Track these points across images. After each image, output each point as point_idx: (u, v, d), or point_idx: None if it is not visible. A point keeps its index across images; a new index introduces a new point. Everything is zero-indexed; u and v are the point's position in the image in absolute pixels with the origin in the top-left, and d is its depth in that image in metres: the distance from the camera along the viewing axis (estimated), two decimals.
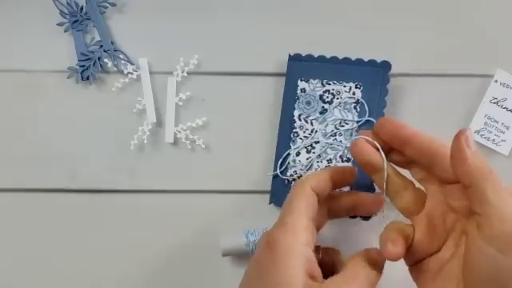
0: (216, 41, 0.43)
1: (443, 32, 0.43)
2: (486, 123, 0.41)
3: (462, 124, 0.42)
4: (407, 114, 0.43)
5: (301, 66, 0.42)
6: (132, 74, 0.43)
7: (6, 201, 0.43)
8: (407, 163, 0.34)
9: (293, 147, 0.41)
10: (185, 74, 0.43)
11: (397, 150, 0.34)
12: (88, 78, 0.43)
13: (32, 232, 0.43)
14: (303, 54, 0.42)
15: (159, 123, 0.43)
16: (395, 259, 0.31)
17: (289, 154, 0.41)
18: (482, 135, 0.41)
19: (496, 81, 0.42)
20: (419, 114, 0.43)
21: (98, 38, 0.44)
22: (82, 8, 0.44)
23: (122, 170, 0.43)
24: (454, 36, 0.43)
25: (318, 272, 0.32)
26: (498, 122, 0.41)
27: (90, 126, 0.43)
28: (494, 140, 0.41)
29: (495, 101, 0.42)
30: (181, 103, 0.43)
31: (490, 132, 0.41)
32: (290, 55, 0.42)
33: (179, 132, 0.43)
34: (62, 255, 0.43)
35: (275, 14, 0.44)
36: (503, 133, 0.41)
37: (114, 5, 0.43)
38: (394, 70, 0.42)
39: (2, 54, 0.44)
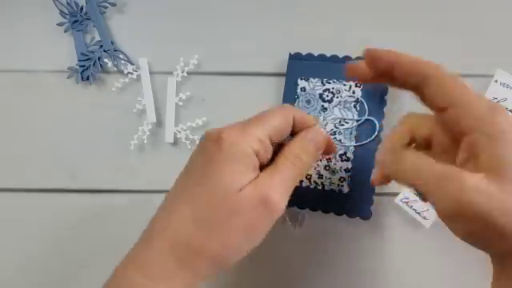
0: (216, 41, 0.43)
1: (443, 32, 0.43)
2: None
3: None
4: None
5: (301, 65, 0.42)
6: (132, 74, 0.43)
7: (6, 201, 0.43)
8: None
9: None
10: (185, 74, 0.43)
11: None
12: (88, 78, 0.43)
13: (32, 232, 0.43)
14: (303, 53, 0.42)
15: (159, 123, 0.43)
16: None
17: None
18: None
19: (496, 81, 0.42)
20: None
21: (98, 38, 0.44)
22: (81, 8, 0.44)
23: (122, 170, 0.43)
24: (454, 36, 0.43)
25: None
26: None
27: (90, 126, 0.44)
28: None
29: (495, 101, 0.41)
30: (181, 103, 0.43)
31: None
32: (290, 54, 0.42)
33: (179, 132, 0.43)
34: (62, 255, 0.43)
35: (275, 14, 0.44)
36: None
37: (114, 5, 0.43)
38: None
39: (2, 54, 0.44)
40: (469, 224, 0.28)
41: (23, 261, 0.43)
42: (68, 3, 0.43)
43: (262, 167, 0.32)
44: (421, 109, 0.32)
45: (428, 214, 0.41)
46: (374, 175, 0.36)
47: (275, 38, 0.43)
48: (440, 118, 0.30)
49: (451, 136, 0.30)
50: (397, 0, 0.43)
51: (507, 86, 0.42)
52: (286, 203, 0.31)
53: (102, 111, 0.44)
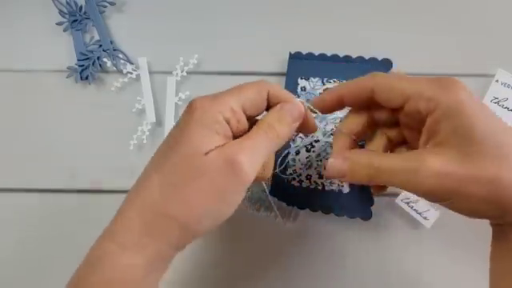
0: (216, 40, 0.43)
1: (443, 32, 0.43)
2: None
3: None
4: None
5: (301, 65, 0.42)
6: (131, 73, 0.43)
7: (6, 201, 0.43)
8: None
9: (292, 146, 0.41)
10: (184, 74, 0.43)
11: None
12: (87, 78, 0.43)
13: (32, 232, 0.43)
14: (304, 53, 0.42)
15: (159, 123, 0.43)
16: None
17: (288, 153, 0.41)
18: None
19: (497, 80, 0.41)
20: None
21: (97, 37, 0.44)
22: (81, 7, 0.43)
23: (122, 170, 0.43)
24: (454, 36, 0.43)
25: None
26: None
27: (89, 125, 0.43)
28: None
29: (496, 101, 0.41)
30: (180, 103, 0.43)
31: None
32: (290, 53, 0.42)
33: None
34: (61, 255, 0.43)
35: (275, 14, 0.43)
36: None
37: (113, 4, 0.43)
38: (394, 70, 0.42)
39: (1, 54, 0.44)
40: (446, 202, 0.29)
41: (23, 260, 0.43)
42: (67, 2, 0.43)
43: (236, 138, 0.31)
44: None
45: (428, 214, 0.41)
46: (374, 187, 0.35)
47: (275, 38, 0.43)
48: (403, 116, 0.31)
49: (419, 129, 0.31)
50: (397, 0, 0.43)
51: (508, 86, 0.41)
52: (256, 172, 0.30)
53: (102, 111, 0.43)
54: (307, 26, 0.43)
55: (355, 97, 0.32)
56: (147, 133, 0.43)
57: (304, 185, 0.41)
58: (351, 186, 0.40)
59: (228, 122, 0.30)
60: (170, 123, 0.43)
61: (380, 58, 0.41)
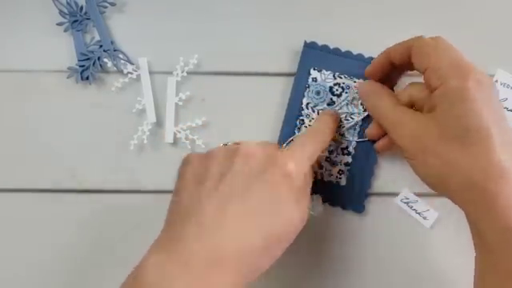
0: (216, 41, 0.43)
1: (443, 32, 0.43)
2: None
3: None
4: None
5: (315, 55, 0.42)
6: (132, 73, 0.43)
7: (6, 201, 0.43)
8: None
9: (298, 134, 0.41)
10: (184, 74, 0.43)
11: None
12: (88, 78, 0.43)
13: (32, 232, 0.43)
14: (319, 44, 0.42)
15: (159, 123, 0.43)
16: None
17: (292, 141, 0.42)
18: None
19: (496, 81, 0.42)
20: None
21: (97, 37, 0.44)
22: (81, 8, 0.43)
23: (122, 169, 0.43)
24: (454, 36, 0.43)
25: None
26: None
27: (90, 125, 0.43)
28: None
29: None
30: (180, 103, 0.43)
31: None
32: (305, 42, 0.42)
33: (179, 132, 0.43)
34: (62, 255, 0.43)
35: (275, 14, 0.44)
36: None
37: (113, 4, 0.43)
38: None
39: (2, 54, 0.44)
40: (411, 161, 0.34)
41: (23, 261, 0.43)
42: (68, 3, 0.43)
43: None
44: None
45: (428, 214, 0.41)
46: (378, 143, 0.39)
47: (276, 38, 0.43)
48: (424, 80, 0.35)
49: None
50: (397, 0, 0.43)
51: (508, 86, 0.41)
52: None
53: (102, 111, 0.43)
54: (308, 26, 0.43)
55: (399, 54, 0.36)
56: (147, 133, 0.43)
57: None
58: (349, 179, 0.41)
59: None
60: (170, 123, 0.43)
61: None
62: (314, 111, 0.42)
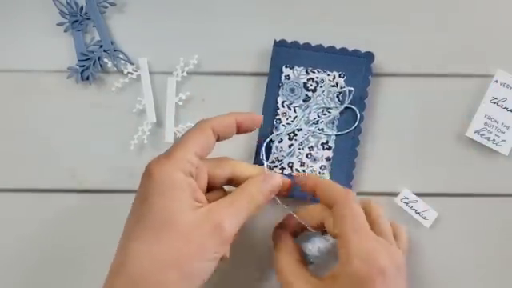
0: (216, 41, 0.43)
1: (443, 32, 0.43)
2: (486, 123, 0.41)
3: (463, 124, 0.42)
4: (409, 114, 0.43)
5: (286, 53, 0.42)
6: (132, 73, 0.43)
7: (6, 201, 0.43)
8: None
9: (275, 134, 0.42)
10: (184, 74, 0.43)
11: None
12: (88, 78, 0.43)
13: (32, 232, 0.43)
14: (288, 41, 0.42)
15: (159, 123, 0.43)
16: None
17: (272, 141, 0.42)
18: (482, 135, 0.41)
19: (496, 81, 0.42)
20: (420, 114, 0.43)
21: (97, 37, 0.44)
22: (81, 8, 0.43)
23: (122, 169, 0.43)
24: (454, 36, 0.43)
25: (202, 197, 0.33)
26: (498, 122, 0.41)
27: (90, 126, 0.43)
28: (494, 140, 0.41)
29: (495, 101, 0.41)
30: (181, 103, 0.43)
31: (490, 132, 0.41)
32: (275, 41, 0.42)
33: (179, 132, 0.43)
34: (62, 255, 0.43)
35: (275, 14, 0.44)
36: (503, 133, 0.41)
37: (113, 4, 0.43)
38: (394, 70, 0.42)
39: (1, 54, 0.44)
40: None
41: (22, 261, 0.43)
42: (68, 3, 0.43)
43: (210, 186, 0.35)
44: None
45: (428, 213, 0.41)
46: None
47: (276, 38, 0.43)
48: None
49: None
50: (396, 0, 0.43)
51: (507, 86, 0.42)
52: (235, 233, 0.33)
53: (102, 111, 0.43)
54: (307, 27, 0.43)
55: (321, 198, 0.36)
56: (148, 133, 0.43)
57: (286, 172, 0.41)
58: (332, 173, 0.41)
59: (191, 175, 0.33)
60: (170, 123, 0.43)
61: (363, 51, 0.42)
62: (290, 109, 0.42)
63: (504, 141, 0.41)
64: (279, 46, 0.42)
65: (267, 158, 0.41)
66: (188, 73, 0.43)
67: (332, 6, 0.43)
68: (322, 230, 0.37)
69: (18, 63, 0.44)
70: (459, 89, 0.42)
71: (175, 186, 0.32)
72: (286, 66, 0.42)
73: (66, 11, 0.43)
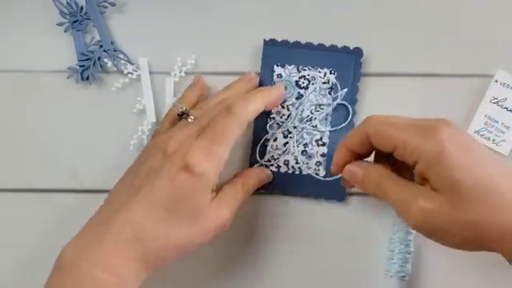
0: (214, 40, 0.43)
1: (443, 32, 0.43)
2: (486, 123, 0.41)
3: (462, 124, 0.42)
4: (408, 114, 0.42)
5: (276, 52, 0.42)
6: (132, 73, 0.43)
7: (6, 201, 0.43)
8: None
9: (270, 132, 0.42)
10: (182, 74, 0.43)
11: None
12: (88, 78, 0.43)
13: (32, 232, 0.43)
14: (278, 40, 0.42)
15: (159, 123, 0.43)
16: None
17: (267, 140, 0.42)
18: (481, 135, 0.41)
19: (496, 81, 0.42)
20: (420, 114, 0.42)
21: (97, 37, 0.44)
22: (81, 8, 0.43)
23: (121, 170, 0.43)
24: (453, 36, 0.43)
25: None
26: (498, 122, 0.41)
27: (90, 125, 0.44)
28: (494, 140, 0.41)
29: (495, 101, 0.41)
30: None
31: (490, 132, 0.41)
32: (264, 40, 0.42)
33: None
34: None
35: (274, 14, 0.44)
36: (503, 133, 0.41)
37: (113, 5, 0.43)
38: (393, 70, 0.42)
39: (1, 54, 0.44)
40: (435, 237, 0.32)
41: (23, 261, 0.43)
42: (68, 3, 0.43)
43: None
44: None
45: None
46: (336, 165, 0.37)
47: (275, 38, 0.43)
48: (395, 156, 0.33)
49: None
50: (396, 0, 0.43)
51: (507, 86, 0.42)
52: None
53: (102, 111, 0.44)
54: (307, 27, 0.43)
55: (358, 144, 0.35)
56: (147, 133, 0.43)
57: (282, 170, 0.42)
58: (327, 169, 0.41)
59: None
60: None
61: (352, 47, 0.42)
62: (283, 107, 0.42)
63: (504, 141, 0.41)
64: (269, 44, 0.42)
65: (262, 157, 0.42)
66: (186, 73, 0.43)
67: (333, 5, 0.43)
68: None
69: (18, 63, 0.44)
70: (459, 89, 0.42)
71: (209, 187, 0.34)
72: (278, 65, 0.42)
73: (66, 11, 0.44)
